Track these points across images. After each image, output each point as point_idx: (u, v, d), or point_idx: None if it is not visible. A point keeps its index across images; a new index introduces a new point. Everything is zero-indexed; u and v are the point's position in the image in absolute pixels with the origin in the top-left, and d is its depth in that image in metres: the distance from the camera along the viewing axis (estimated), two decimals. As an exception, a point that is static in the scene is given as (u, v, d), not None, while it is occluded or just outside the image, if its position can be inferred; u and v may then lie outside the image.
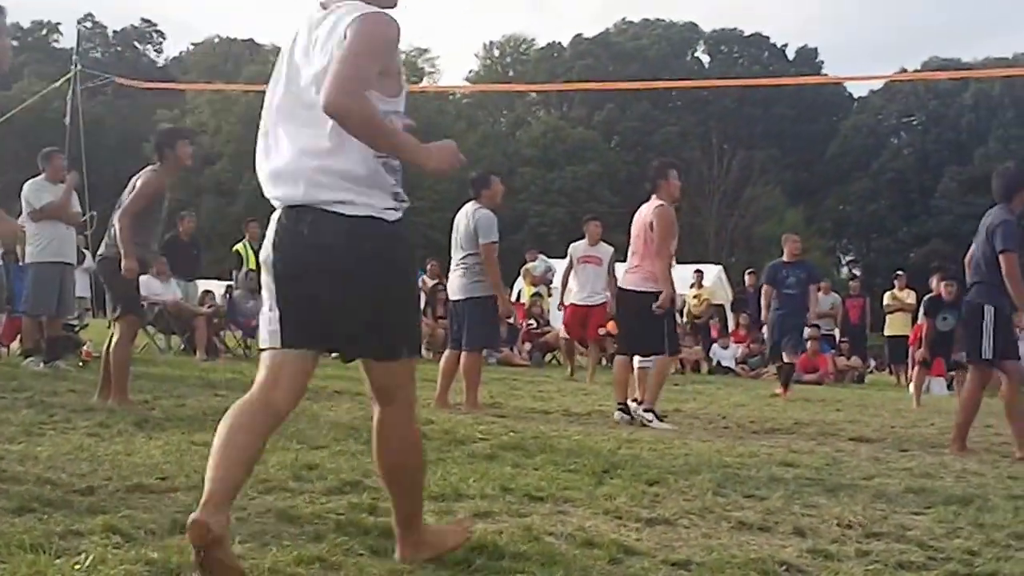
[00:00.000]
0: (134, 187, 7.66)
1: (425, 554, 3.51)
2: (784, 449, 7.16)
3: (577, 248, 13.64)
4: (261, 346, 3.39)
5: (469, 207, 9.20)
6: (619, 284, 9.32)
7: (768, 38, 67.00)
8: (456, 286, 9.22)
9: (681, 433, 7.94)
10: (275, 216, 3.33)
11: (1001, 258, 7.33)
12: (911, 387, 13.26)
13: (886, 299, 19.61)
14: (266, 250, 3.35)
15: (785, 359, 13.13)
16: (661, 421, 8.44)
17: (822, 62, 65.24)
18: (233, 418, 3.28)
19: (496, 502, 4.59)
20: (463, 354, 9.11)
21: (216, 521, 2.98)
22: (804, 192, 60.06)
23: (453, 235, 9.32)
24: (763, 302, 13.56)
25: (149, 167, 7.84)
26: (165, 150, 7.80)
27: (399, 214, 3.30)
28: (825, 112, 63.96)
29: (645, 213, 8.74)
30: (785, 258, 13.38)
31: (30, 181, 10.33)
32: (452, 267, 9.35)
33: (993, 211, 7.58)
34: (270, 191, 3.34)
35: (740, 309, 20.90)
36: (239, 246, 15.87)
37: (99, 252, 7.94)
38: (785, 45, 66.72)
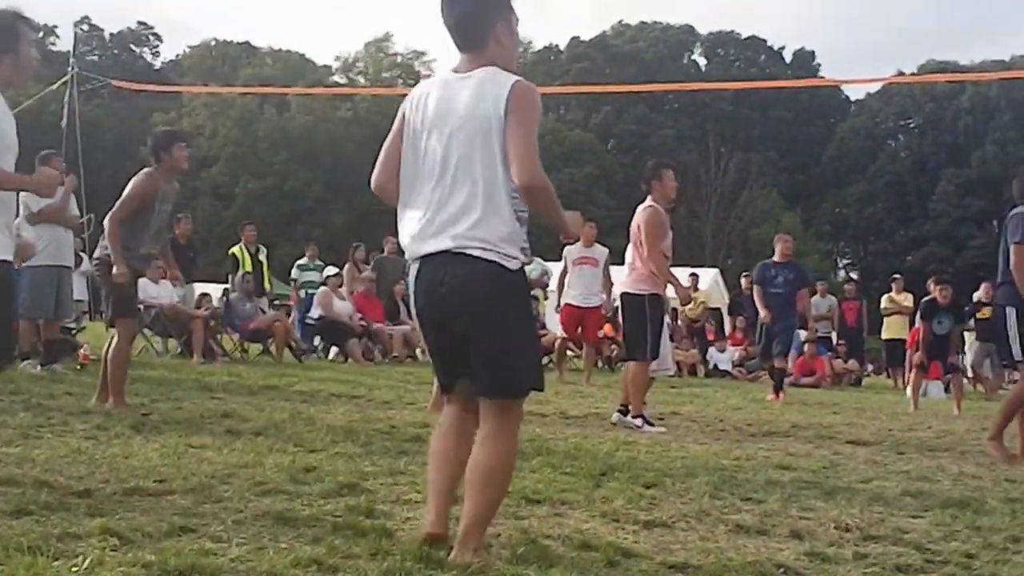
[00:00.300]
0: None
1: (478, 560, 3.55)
2: (781, 452, 7.16)
3: (572, 251, 13.58)
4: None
5: None
6: (619, 287, 9.29)
7: (765, 41, 67.06)
8: None
9: (678, 436, 7.93)
10: (419, 268, 3.67)
11: (1012, 248, 7.22)
12: (908, 390, 13.24)
13: (883, 302, 19.60)
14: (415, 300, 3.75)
15: (776, 365, 13.11)
16: (652, 425, 8.38)
17: (819, 65, 65.32)
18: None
19: (493, 505, 4.58)
20: None
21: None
22: (801, 195, 60.09)
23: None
24: (757, 302, 13.38)
25: (144, 170, 7.82)
26: (161, 153, 7.74)
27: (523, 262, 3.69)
28: (822, 115, 64.00)
29: (636, 215, 8.74)
30: (776, 258, 13.24)
31: (27, 196, 10.26)
32: None
33: (1016, 210, 7.48)
34: (417, 247, 3.67)
35: (737, 312, 20.89)
36: (235, 249, 15.87)
37: (95, 255, 7.92)
38: (782, 48, 66.80)
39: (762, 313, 13.12)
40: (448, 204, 3.61)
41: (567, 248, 13.76)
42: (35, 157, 10.32)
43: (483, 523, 3.64)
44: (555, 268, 18.68)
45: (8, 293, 4.78)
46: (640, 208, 8.67)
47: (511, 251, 3.61)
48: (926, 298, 13.51)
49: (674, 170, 9.05)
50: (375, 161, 3.84)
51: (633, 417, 8.43)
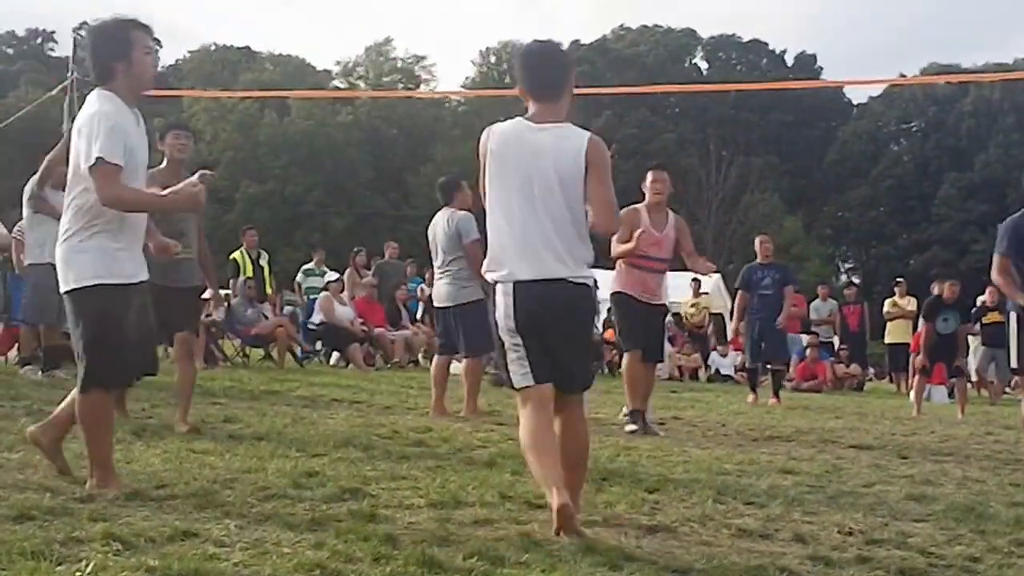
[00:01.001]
0: None
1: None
2: (784, 456, 7.15)
3: None
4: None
5: (443, 213, 9.17)
6: None
7: (767, 44, 66.86)
8: (443, 294, 9.12)
9: (680, 441, 7.92)
10: (517, 287, 4.31)
11: (994, 258, 7.22)
12: (912, 395, 13.18)
13: (886, 306, 19.56)
14: (512, 316, 4.33)
15: (773, 367, 13.10)
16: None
17: (821, 68, 65.07)
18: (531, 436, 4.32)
19: (496, 509, 4.60)
20: (465, 360, 9.09)
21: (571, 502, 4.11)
22: (803, 199, 59.99)
23: (431, 244, 9.27)
24: (737, 308, 13.44)
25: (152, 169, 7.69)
26: (158, 145, 7.55)
27: None
28: (824, 118, 63.84)
29: None
30: (760, 260, 13.24)
31: (32, 184, 10.16)
32: (436, 275, 9.29)
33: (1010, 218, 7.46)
34: (523, 270, 4.31)
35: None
36: (236, 254, 15.85)
37: None
38: (784, 51, 66.54)
39: (736, 323, 13.44)
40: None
41: None
42: (36, 163, 10.26)
43: (581, 488, 4.48)
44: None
45: (148, 310, 4.76)
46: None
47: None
48: (930, 297, 13.45)
49: (659, 169, 8.99)
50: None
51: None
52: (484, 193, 4.47)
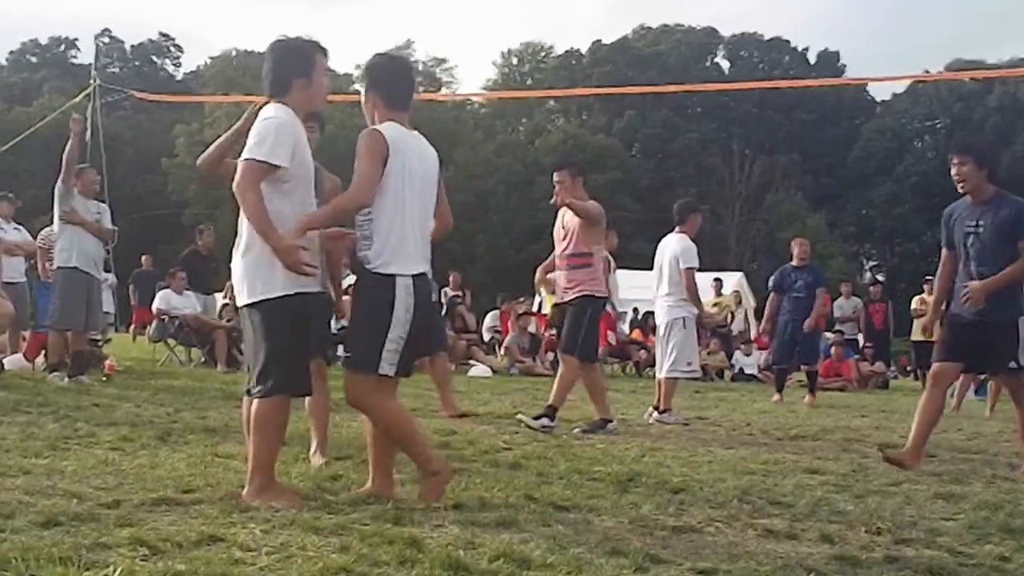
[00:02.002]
0: None
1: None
2: (810, 456, 7.13)
3: None
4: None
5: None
6: None
7: (789, 42, 66.74)
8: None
9: (705, 441, 7.91)
10: (415, 283, 4.75)
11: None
12: (952, 393, 13.03)
13: (914, 303, 19.44)
14: (412, 309, 4.72)
15: (806, 368, 13.13)
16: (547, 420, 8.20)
17: (844, 66, 64.91)
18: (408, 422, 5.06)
19: (521, 511, 4.59)
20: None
21: None
22: (827, 197, 59.78)
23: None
24: (768, 310, 13.54)
25: None
26: None
27: None
28: (847, 116, 63.64)
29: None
30: (795, 262, 13.29)
31: (58, 184, 10.21)
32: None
33: None
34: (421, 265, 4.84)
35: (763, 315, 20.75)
36: None
37: None
38: (806, 49, 66.42)
39: (767, 324, 13.46)
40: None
41: None
42: (62, 169, 10.34)
43: None
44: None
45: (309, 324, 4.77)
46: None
47: None
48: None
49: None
50: None
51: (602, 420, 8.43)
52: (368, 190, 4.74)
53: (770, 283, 13.67)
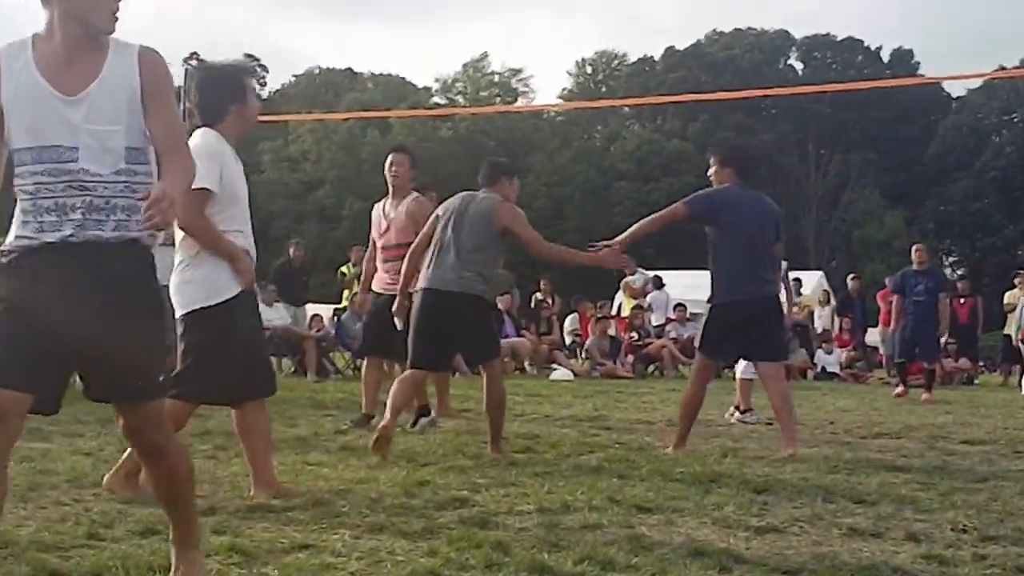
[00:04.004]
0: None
1: None
2: (894, 453, 7.08)
3: None
4: None
5: None
6: None
7: (862, 41, 65.71)
8: None
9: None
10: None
11: None
12: (1024, 387, 12.98)
13: (1006, 298, 19.17)
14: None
15: (928, 366, 13.50)
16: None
17: (918, 63, 63.81)
18: None
19: (605, 514, 4.63)
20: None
21: None
22: (904, 194, 58.78)
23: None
24: (895, 311, 14.06)
25: None
26: None
27: None
28: (923, 113, 62.52)
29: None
30: (915, 266, 13.80)
31: None
32: None
33: None
34: None
35: (843, 313, 20.56)
36: (344, 268, 16.19)
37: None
38: (879, 47, 65.43)
39: (895, 325, 14.01)
40: None
41: None
42: None
43: None
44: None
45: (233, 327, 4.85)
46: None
47: None
48: None
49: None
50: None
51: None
52: None
53: (889, 284, 14.49)
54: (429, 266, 6.56)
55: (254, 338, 4.98)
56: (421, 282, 6.64)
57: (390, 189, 8.36)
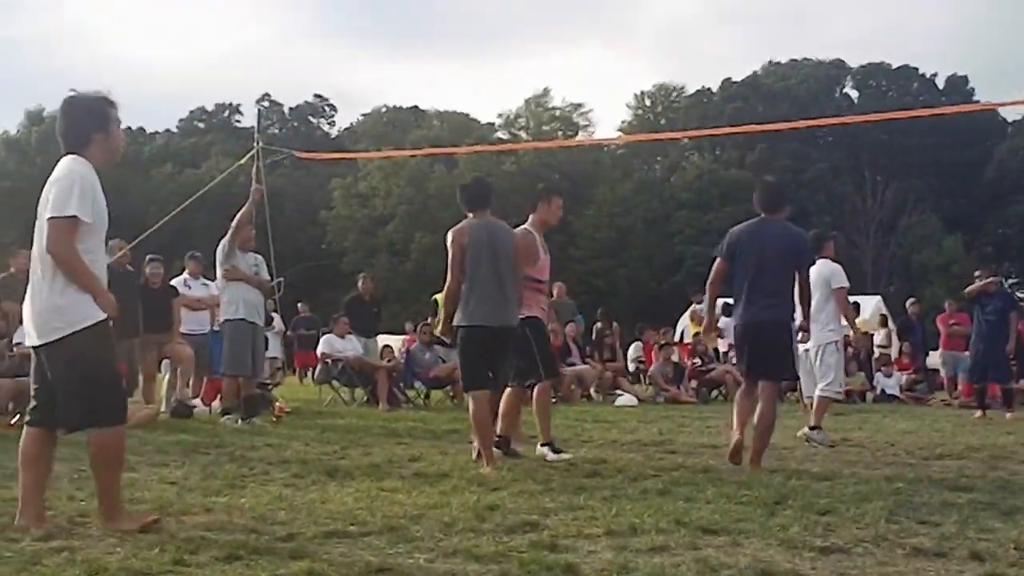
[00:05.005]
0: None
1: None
2: (955, 474, 7.08)
3: None
4: None
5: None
6: None
7: (917, 69, 65.21)
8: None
9: (849, 462, 7.86)
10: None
11: None
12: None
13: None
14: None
15: (1000, 384, 13.95)
16: (557, 453, 7.98)
17: (973, 89, 63.27)
18: None
19: (671, 536, 4.70)
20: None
21: None
22: (961, 218, 57.99)
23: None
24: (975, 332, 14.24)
25: None
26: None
27: None
28: (979, 138, 61.66)
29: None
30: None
31: (223, 242, 10.93)
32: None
33: None
34: None
35: (903, 337, 20.42)
36: (438, 295, 16.46)
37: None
38: (934, 74, 64.96)
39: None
40: None
41: None
42: (228, 223, 11.07)
43: None
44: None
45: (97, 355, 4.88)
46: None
47: None
48: None
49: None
50: None
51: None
52: None
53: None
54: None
55: (108, 366, 4.96)
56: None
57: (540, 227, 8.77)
